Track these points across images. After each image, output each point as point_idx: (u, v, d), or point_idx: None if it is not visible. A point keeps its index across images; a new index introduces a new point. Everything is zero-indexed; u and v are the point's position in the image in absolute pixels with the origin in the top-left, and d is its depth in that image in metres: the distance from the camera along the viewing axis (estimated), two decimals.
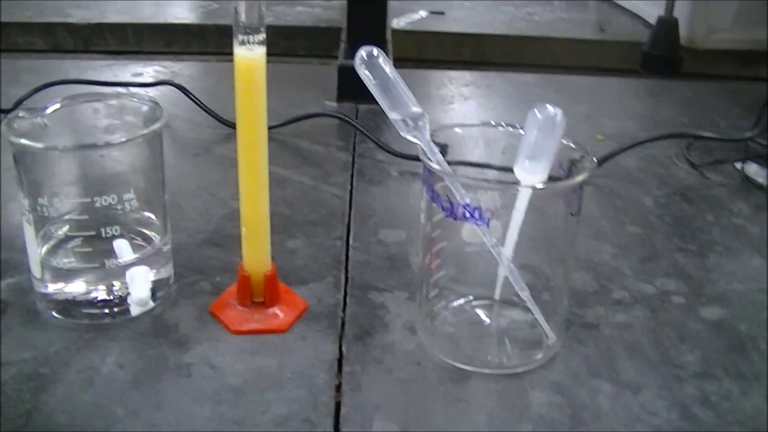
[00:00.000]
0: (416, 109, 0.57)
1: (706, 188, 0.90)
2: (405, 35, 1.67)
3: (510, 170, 0.57)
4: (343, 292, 0.67)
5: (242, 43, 0.55)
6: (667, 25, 1.57)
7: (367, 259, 0.72)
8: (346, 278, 0.69)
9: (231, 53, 0.55)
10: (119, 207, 0.58)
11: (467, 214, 0.55)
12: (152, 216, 0.63)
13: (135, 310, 0.61)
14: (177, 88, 1.06)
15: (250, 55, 0.55)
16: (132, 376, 0.56)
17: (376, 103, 0.55)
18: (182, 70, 1.23)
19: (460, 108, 1.14)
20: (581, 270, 0.71)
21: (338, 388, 0.56)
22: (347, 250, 0.73)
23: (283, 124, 0.98)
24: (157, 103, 0.61)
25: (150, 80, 1.14)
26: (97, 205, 0.58)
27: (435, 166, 0.56)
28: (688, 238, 0.78)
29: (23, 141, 0.56)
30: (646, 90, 1.31)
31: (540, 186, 0.56)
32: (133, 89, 1.10)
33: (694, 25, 1.63)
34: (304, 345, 0.60)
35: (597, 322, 0.64)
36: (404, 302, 0.66)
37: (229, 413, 0.53)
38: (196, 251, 0.72)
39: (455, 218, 0.55)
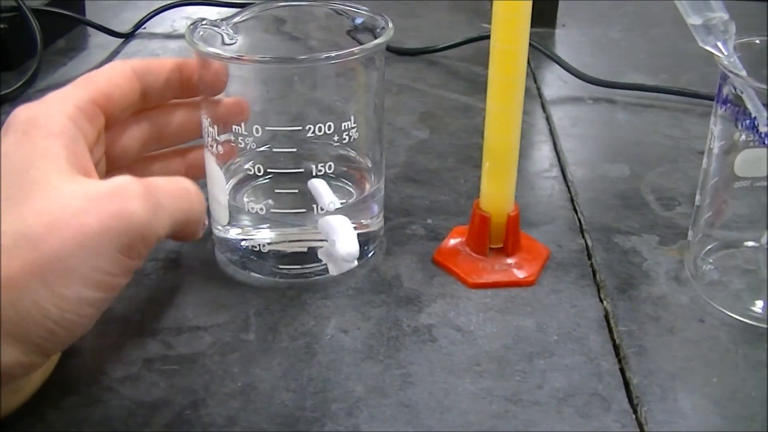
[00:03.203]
0: (722, 13, 0.45)
1: None
2: None
3: None
4: (581, 236, 0.55)
5: None
6: None
7: (595, 197, 0.60)
8: (579, 219, 0.57)
9: None
10: (335, 138, 0.46)
11: None
12: (364, 154, 0.51)
13: (335, 269, 0.49)
14: None
15: None
16: (361, 342, 0.45)
17: (542, 25, 0.43)
18: None
19: None
20: None
21: (617, 351, 0.45)
22: (567, 185, 0.61)
23: (446, 48, 0.87)
24: (379, 14, 0.49)
25: None
26: (309, 134, 0.46)
27: (750, 81, 0.43)
28: None
29: (216, 50, 0.45)
30: None
31: None
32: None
33: None
34: (559, 300, 0.49)
35: None
36: (657, 247, 0.54)
37: (498, 388, 0.42)
38: (392, 188, 0.60)
39: None
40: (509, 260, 0.51)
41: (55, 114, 0.39)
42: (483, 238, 0.50)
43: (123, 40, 0.91)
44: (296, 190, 0.48)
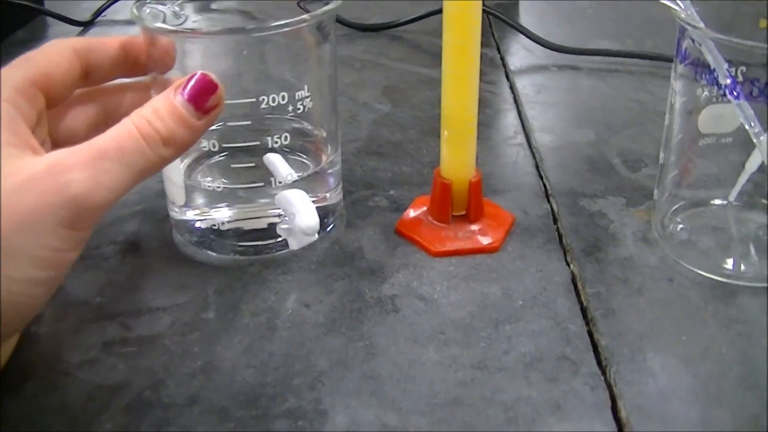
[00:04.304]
0: None
1: None
2: None
3: None
4: (547, 201, 0.54)
5: None
6: None
7: (561, 163, 0.59)
8: (544, 185, 0.56)
9: None
10: (290, 108, 0.45)
11: (755, 91, 0.42)
12: (319, 125, 0.50)
13: (296, 243, 0.48)
14: None
15: None
16: (324, 316, 0.44)
17: None
18: None
19: None
20: None
21: (584, 314, 0.44)
22: (532, 152, 0.60)
23: (410, 21, 0.85)
24: None
25: None
26: (263, 106, 0.44)
27: (708, 32, 0.43)
28: None
29: (163, 25, 0.43)
30: None
31: None
32: None
33: None
34: (525, 265, 0.48)
35: None
36: (624, 209, 0.53)
37: (463, 356, 0.41)
38: (354, 162, 0.59)
39: (736, 96, 0.43)
40: (473, 227, 0.50)
41: None
42: (445, 206, 0.49)
43: (83, 28, 0.90)
44: (253, 164, 0.47)
